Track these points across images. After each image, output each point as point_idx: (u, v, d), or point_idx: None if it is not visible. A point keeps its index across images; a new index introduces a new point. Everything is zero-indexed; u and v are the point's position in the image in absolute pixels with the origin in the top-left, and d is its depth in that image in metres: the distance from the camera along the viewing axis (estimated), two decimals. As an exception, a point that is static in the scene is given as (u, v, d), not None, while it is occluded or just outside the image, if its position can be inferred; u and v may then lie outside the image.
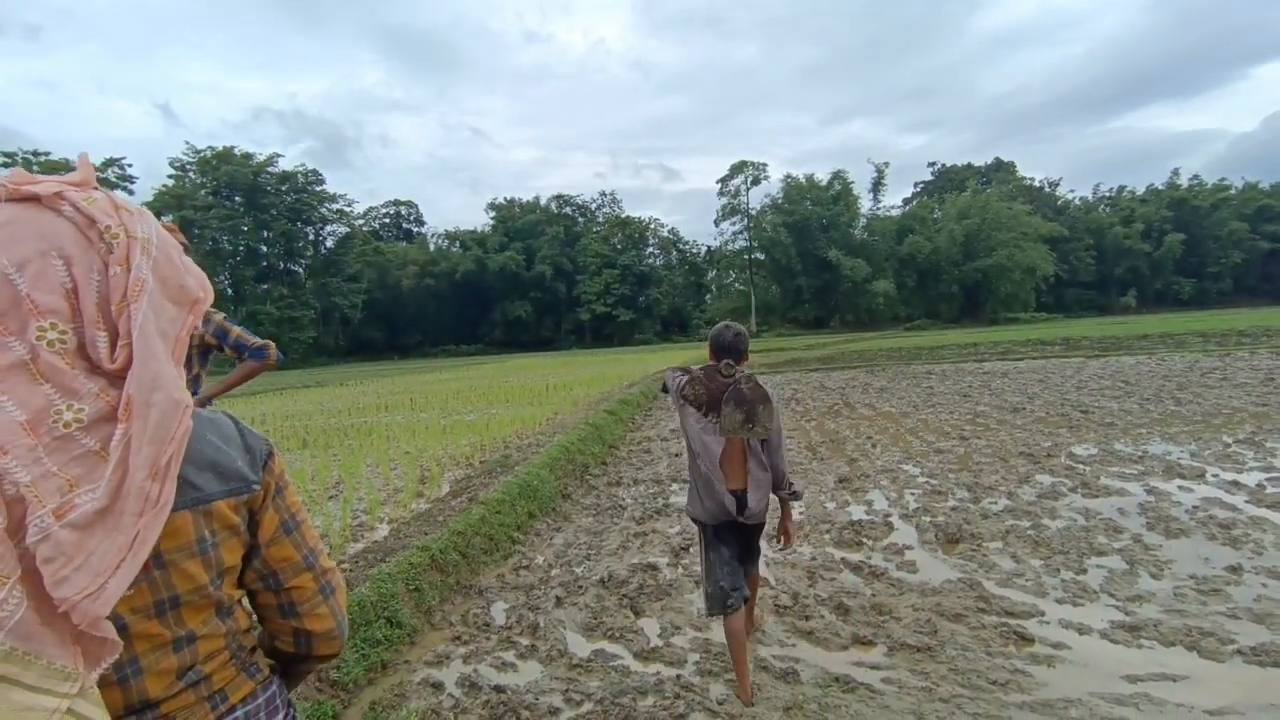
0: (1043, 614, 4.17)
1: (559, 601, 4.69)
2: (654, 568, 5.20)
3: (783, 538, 3.58)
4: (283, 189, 69.58)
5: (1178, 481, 6.81)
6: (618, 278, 78.88)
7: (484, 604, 4.71)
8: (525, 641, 4.13)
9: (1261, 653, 3.57)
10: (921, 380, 18.03)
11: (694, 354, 37.53)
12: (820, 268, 75.57)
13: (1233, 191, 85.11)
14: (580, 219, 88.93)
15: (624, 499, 7.45)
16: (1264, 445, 8.07)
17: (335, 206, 74.16)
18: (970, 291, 73.98)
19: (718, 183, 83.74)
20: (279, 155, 70.92)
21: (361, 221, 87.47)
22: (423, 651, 4.05)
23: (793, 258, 76.03)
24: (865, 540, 5.62)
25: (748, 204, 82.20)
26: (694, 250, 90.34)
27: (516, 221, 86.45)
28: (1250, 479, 6.73)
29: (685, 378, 3.43)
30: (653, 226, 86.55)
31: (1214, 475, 6.90)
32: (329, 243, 75.24)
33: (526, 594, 4.87)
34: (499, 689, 3.51)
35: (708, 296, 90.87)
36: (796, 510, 6.46)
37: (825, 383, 19.04)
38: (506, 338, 79.81)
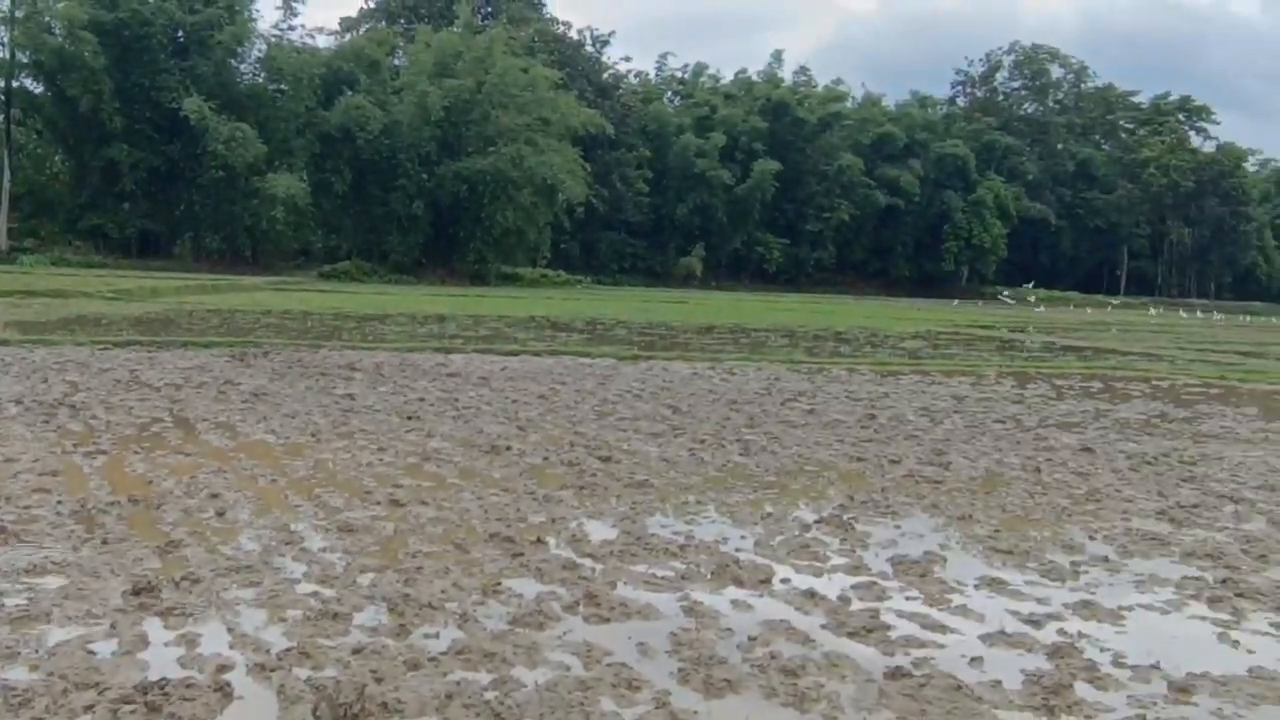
0: None
1: None
2: None
3: None
4: None
5: (732, 591, 4.01)
6: None
7: None
8: None
9: None
10: (337, 381, 9.86)
11: None
12: (165, 130, 39.14)
13: (848, 103, 58.30)
14: None
15: None
16: (854, 528, 5.35)
17: None
18: (444, 217, 40.93)
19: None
20: None
21: None
22: None
23: (108, 100, 37.52)
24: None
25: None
26: None
27: None
28: (832, 586, 4.24)
29: None
30: None
31: (784, 580, 4.30)
32: None
33: None
34: None
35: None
36: None
37: (143, 374, 9.53)
38: None
